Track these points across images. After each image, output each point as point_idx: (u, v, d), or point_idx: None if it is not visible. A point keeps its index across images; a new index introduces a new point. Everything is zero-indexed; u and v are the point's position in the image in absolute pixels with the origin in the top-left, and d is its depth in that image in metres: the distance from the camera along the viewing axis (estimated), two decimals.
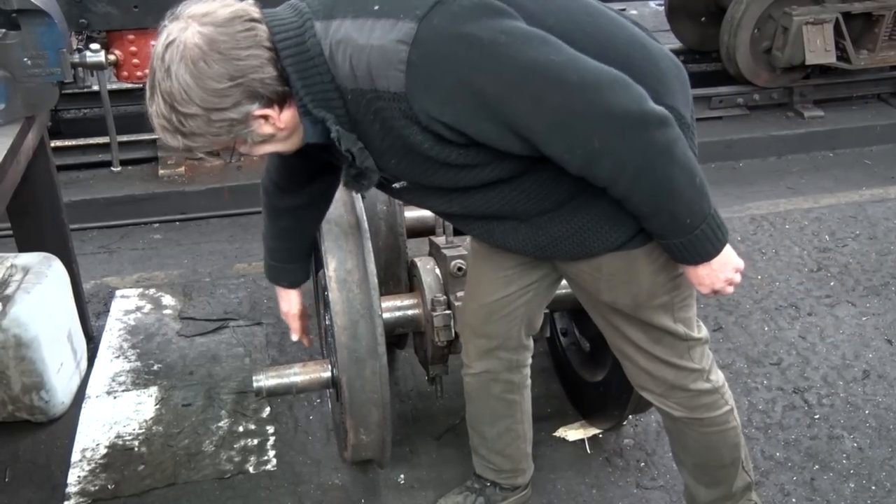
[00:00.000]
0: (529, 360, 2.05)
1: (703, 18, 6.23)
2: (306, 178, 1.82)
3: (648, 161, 1.39)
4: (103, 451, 2.48)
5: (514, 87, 1.34)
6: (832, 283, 3.27)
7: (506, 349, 1.97)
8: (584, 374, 2.47)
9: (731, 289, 1.58)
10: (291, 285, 2.05)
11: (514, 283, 1.85)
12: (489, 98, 1.34)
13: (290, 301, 2.07)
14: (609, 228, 1.57)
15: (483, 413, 2.09)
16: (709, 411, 1.80)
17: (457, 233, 2.40)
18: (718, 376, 1.81)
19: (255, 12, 1.39)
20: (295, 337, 2.13)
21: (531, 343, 2.02)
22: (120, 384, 2.76)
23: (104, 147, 4.89)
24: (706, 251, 1.51)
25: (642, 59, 1.51)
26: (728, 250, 1.54)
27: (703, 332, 1.76)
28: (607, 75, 1.37)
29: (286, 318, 2.10)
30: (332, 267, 2.01)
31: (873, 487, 2.33)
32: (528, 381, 2.09)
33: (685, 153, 1.43)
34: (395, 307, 2.27)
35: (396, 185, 1.56)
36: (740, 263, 1.57)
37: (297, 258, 2.01)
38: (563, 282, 2.41)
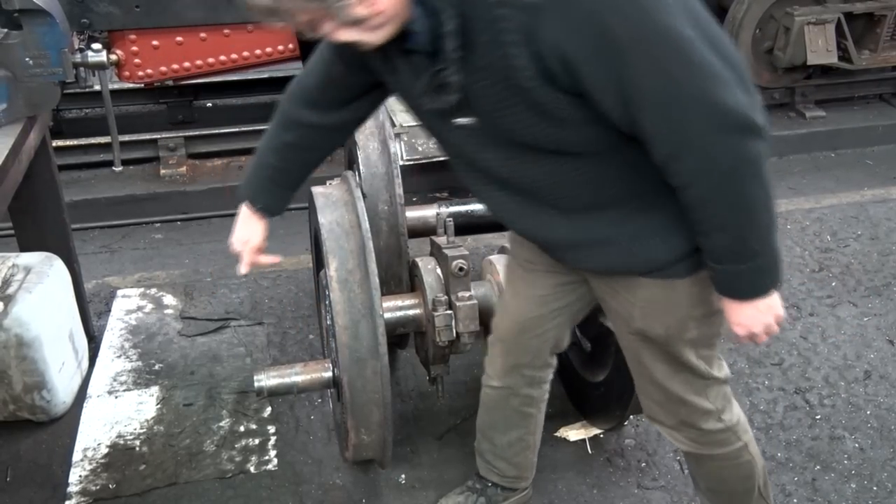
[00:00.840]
0: (551, 377, 2.03)
1: None
2: (341, 99, 1.69)
3: (737, 169, 1.32)
4: (105, 450, 2.48)
5: (642, 42, 1.25)
6: (834, 284, 3.27)
7: (531, 367, 1.94)
8: (586, 375, 2.46)
9: (766, 337, 1.50)
10: (263, 210, 1.80)
11: (549, 304, 1.81)
12: (615, 42, 1.24)
13: (252, 229, 1.81)
14: (659, 242, 1.49)
15: (497, 421, 2.07)
16: (719, 448, 1.77)
17: (458, 233, 2.39)
18: (733, 414, 1.77)
19: None
20: (243, 270, 1.87)
21: (555, 360, 1.99)
22: (121, 384, 2.76)
23: (106, 147, 4.90)
24: (758, 287, 1.44)
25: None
26: (776, 295, 1.46)
27: (723, 371, 1.72)
28: (731, 70, 1.28)
29: (240, 246, 1.83)
30: (333, 267, 2.01)
31: (875, 488, 2.33)
32: (546, 396, 2.06)
33: (769, 175, 1.35)
34: (397, 307, 2.26)
35: (462, 120, 1.42)
36: (783, 313, 1.49)
37: (283, 183, 1.80)
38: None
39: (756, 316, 1.47)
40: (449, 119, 1.44)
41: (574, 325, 1.95)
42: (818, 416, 2.59)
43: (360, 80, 1.63)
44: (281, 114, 1.75)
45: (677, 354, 1.63)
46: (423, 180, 4.76)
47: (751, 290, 1.45)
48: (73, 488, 2.34)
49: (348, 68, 1.58)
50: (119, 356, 2.90)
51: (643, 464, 2.41)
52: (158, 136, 5.02)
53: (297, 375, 2.13)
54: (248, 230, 1.82)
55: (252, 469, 2.41)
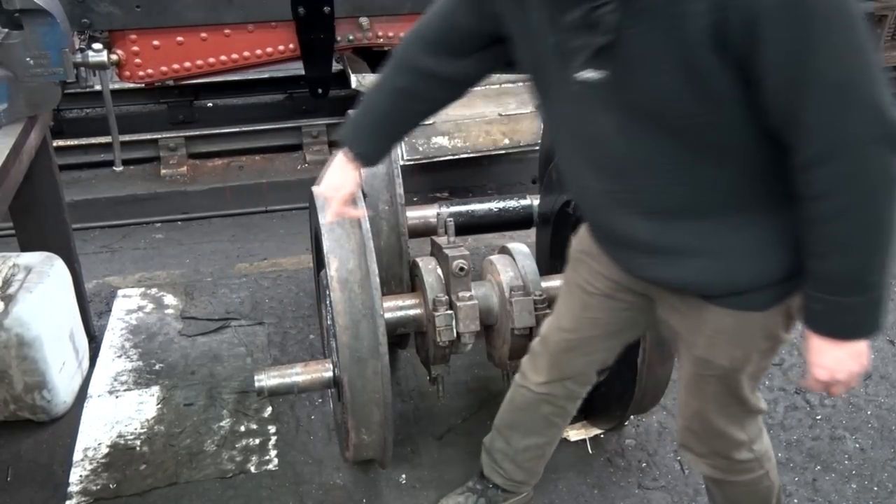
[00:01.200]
0: (586, 393, 1.98)
1: None
2: (461, 49, 1.61)
3: (882, 186, 1.24)
4: (105, 450, 2.48)
5: (835, 18, 1.17)
6: None
7: (575, 382, 1.91)
8: None
9: (844, 389, 1.40)
10: (360, 157, 1.72)
11: (602, 328, 1.77)
12: (813, 11, 1.15)
13: (346, 176, 1.73)
14: (747, 264, 1.40)
15: (520, 423, 2.02)
16: (742, 475, 1.76)
17: (458, 233, 2.40)
18: (762, 444, 1.75)
19: None
20: (330, 218, 1.82)
21: (595, 377, 1.94)
22: (122, 383, 2.76)
23: (106, 146, 4.89)
24: (861, 326, 1.33)
25: None
26: (868, 344, 1.35)
27: (762, 403, 1.69)
28: (885, 80, 1.22)
29: (331, 193, 1.76)
30: (333, 267, 2.01)
31: (875, 488, 2.33)
32: (575, 412, 2.02)
33: None
34: (397, 307, 2.27)
35: (589, 74, 1.31)
36: (867, 366, 1.38)
37: (386, 132, 1.72)
38: (556, 283, 2.41)
39: (844, 361, 1.34)
40: (574, 72, 1.32)
41: (623, 348, 1.89)
42: (819, 417, 2.59)
43: (483, 28, 1.56)
44: (396, 57, 1.66)
45: (735, 387, 1.58)
46: (424, 180, 4.76)
47: (853, 328, 1.33)
48: (73, 488, 2.34)
49: (472, 12, 1.51)
50: (120, 356, 2.90)
51: (644, 464, 2.41)
52: (159, 136, 5.02)
53: (298, 375, 2.13)
54: (341, 177, 1.74)
55: (253, 469, 2.41)
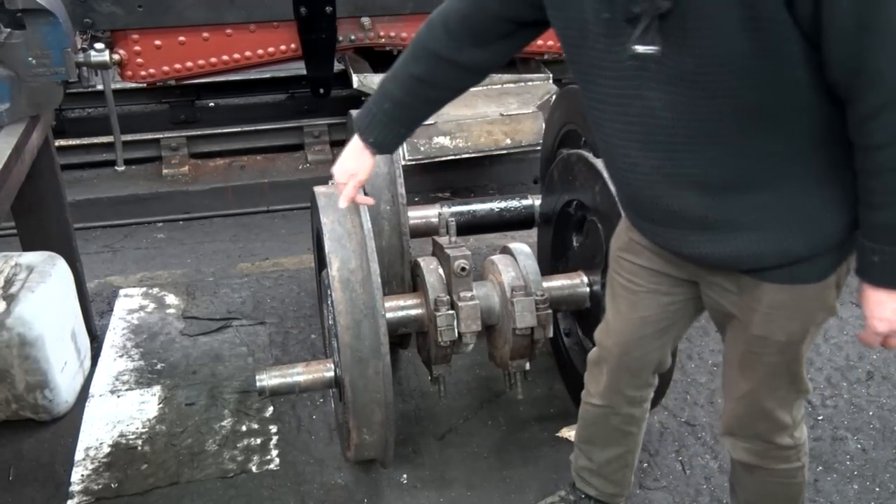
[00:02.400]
0: (651, 395, 1.95)
1: None
2: (482, 36, 1.62)
3: None
4: (107, 449, 2.48)
5: None
6: None
7: (633, 387, 1.88)
8: None
9: None
10: (374, 145, 1.76)
11: (652, 325, 1.75)
12: None
13: (360, 162, 1.77)
14: (801, 234, 1.40)
15: (596, 438, 2.00)
16: (778, 463, 1.73)
17: (460, 233, 2.40)
18: (802, 433, 1.73)
19: None
20: (343, 203, 1.84)
21: (656, 380, 1.92)
22: (123, 383, 2.77)
23: (108, 146, 4.90)
24: None
25: None
26: None
27: (808, 382, 1.67)
28: None
29: (344, 178, 1.79)
30: (335, 266, 2.02)
31: (877, 489, 2.33)
32: (647, 414, 1.98)
33: None
34: (398, 307, 2.27)
35: (643, 48, 1.31)
36: None
37: (400, 119, 1.74)
38: (558, 283, 2.42)
39: None
40: (628, 44, 1.31)
41: (676, 345, 1.88)
42: (820, 417, 2.59)
43: (511, 11, 1.56)
44: (414, 43, 1.67)
45: (791, 362, 1.57)
46: (426, 180, 4.77)
47: None
48: (75, 487, 2.34)
49: (503, 6, 1.53)
50: (121, 355, 2.90)
51: (645, 464, 2.41)
52: (161, 136, 5.03)
53: (299, 375, 2.13)
54: (355, 163, 1.78)
55: (254, 468, 2.41)
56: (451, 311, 2.15)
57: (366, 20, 4.42)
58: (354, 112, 2.76)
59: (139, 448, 2.49)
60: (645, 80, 1.35)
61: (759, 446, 1.72)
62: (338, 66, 4.90)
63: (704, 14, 1.24)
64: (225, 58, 4.40)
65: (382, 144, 1.77)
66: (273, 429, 2.56)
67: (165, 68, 4.35)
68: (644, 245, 1.67)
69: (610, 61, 1.38)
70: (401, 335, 2.44)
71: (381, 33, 4.50)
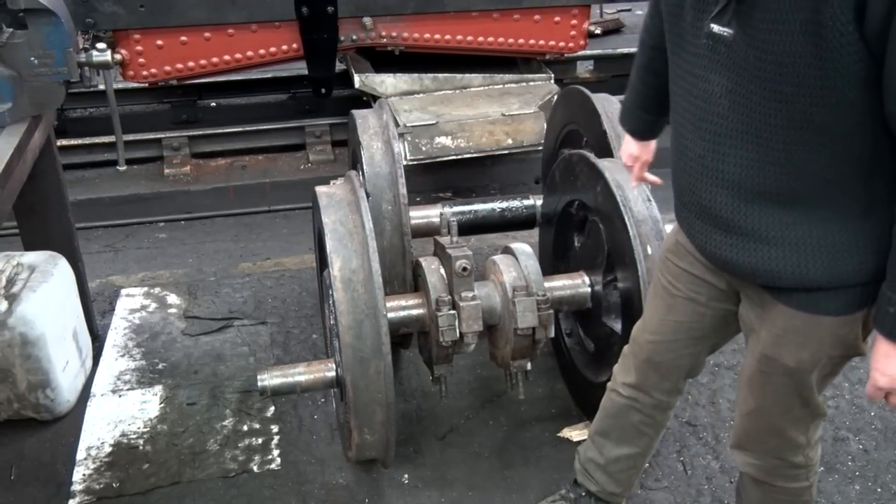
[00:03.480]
0: (676, 403, 1.94)
1: None
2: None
3: None
4: (108, 449, 2.48)
5: None
6: None
7: (660, 390, 1.87)
8: (589, 375, 2.46)
9: None
10: (631, 132, 1.91)
11: (684, 331, 1.74)
12: None
13: (639, 147, 1.92)
14: (823, 261, 1.37)
15: (612, 430, 1.99)
16: (786, 482, 1.71)
17: (461, 233, 2.40)
18: (816, 453, 1.71)
19: None
20: (634, 181, 1.99)
21: (684, 386, 1.91)
22: (125, 383, 2.77)
23: (110, 146, 4.91)
24: None
25: None
26: None
27: (824, 406, 1.64)
28: None
29: (630, 161, 1.95)
30: (336, 266, 2.02)
31: (879, 490, 2.33)
32: (668, 423, 1.98)
33: None
34: (400, 307, 2.27)
35: (718, 28, 1.33)
36: None
37: (644, 106, 1.86)
38: (559, 283, 2.42)
39: None
40: (707, 23, 1.35)
41: (711, 355, 1.85)
42: None
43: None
44: (639, 36, 1.81)
45: (799, 387, 1.54)
46: (427, 180, 4.77)
47: None
48: (76, 487, 2.34)
49: None
50: (123, 355, 2.90)
51: (646, 464, 2.40)
52: (162, 136, 5.03)
53: (301, 375, 2.13)
54: (638, 148, 1.93)
55: (255, 468, 2.41)
56: (452, 311, 2.15)
57: (367, 20, 4.42)
58: (356, 111, 2.79)
59: (141, 448, 2.49)
60: (714, 62, 1.37)
61: (768, 462, 1.69)
62: (339, 66, 4.90)
63: (773, 7, 1.25)
64: (227, 58, 4.41)
65: (637, 131, 1.91)
66: (274, 428, 2.56)
67: (167, 68, 4.35)
68: (688, 249, 1.67)
69: (691, 35, 1.43)
70: (402, 335, 2.44)
71: (383, 33, 4.50)
